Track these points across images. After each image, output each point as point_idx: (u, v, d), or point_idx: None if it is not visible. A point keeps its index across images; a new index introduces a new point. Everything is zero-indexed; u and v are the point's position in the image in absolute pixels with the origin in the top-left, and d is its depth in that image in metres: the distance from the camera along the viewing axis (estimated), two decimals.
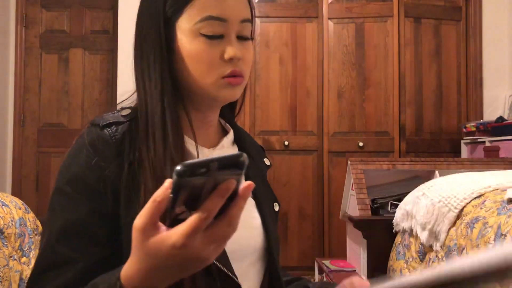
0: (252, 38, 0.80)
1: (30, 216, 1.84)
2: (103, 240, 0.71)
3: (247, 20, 0.77)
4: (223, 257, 0.73)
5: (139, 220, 0.54)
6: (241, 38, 0.77)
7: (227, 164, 0.51)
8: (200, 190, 0.52)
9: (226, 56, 0.74)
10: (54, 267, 0.69)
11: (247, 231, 0.81)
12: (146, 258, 0.55)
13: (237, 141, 0.91)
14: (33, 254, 1.72)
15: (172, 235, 0.53)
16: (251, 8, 0.80)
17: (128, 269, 0.58)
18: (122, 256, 0.67)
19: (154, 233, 0.54)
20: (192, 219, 0.52)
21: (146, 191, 0.69)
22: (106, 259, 0.70)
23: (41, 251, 0.72)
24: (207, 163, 0.50)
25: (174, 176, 0.50)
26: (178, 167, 0.49)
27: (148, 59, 0.77)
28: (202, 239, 0.54)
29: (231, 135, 0.89)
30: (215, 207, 0.53)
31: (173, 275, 0.57)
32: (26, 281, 0.72)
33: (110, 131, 0.75)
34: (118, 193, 0.71)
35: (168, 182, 0.53)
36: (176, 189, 0.51)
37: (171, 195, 0.52)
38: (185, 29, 0.75)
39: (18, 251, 1.66)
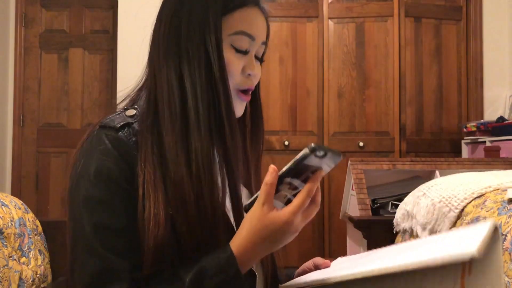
0: (262, 61, 0.86)
1: (30, 216, 1.84)
2: (138, 241, 0.71)
3: (265, 43, 0.85)
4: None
5: (259, 202, 0.68)
6: (256, 58, 0.83)
7: (333, 156, 0.65)
8: (305, 171, 0.66)
9: (248, 71, 0.81)
10: (106, 273, 0.69)
11: None
12: (262, 232, 0.68)
13: None
14: (33, 254, 1.72)
15: (286, 213, 0.67)
16: (268, 34, 0.87)
17: (241, 243, 0.69)
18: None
19: (271, 210, 0.68)
20: (299, 200, 0.68)
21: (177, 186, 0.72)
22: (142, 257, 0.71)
23: (80, 261, 0.70)
24: (326, 149, 0.64)
25: (306, 150, 0.63)
26: (312, 144, 0.63)
27: (190, 60, 0.77)
28: (301, 217, 0.70)
29: None
30: (313, 189, 0.69)
31: (274, 246, 0.70)
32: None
33: (125, 133, 0.75)
34: (140, 191, 0.72)
35: (272, 168, 0.67)
36: (299, 160, 0.64)
37: (286, 170, 0.65)
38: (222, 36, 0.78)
39: (18, 251, 1.66)
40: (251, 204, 0.70)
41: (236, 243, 0.70)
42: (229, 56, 0.78)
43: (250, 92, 0.83)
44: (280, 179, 0.67)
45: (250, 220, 0.69)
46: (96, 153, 0.73)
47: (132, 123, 0.76)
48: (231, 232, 0.73)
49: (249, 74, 0.81)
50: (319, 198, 0.72)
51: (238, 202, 0.78)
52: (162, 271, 0.70)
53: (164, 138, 0.74)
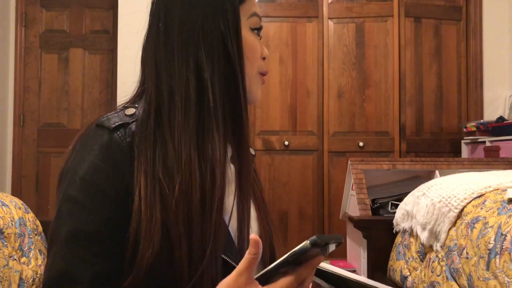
0: None
1: (30, 216, 1.84)
2: (115, 251, 0.68)
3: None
4: (239, 257, 0.73)
5: (239, 267, 0.61)
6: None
7: (334, 243, 0.63)
8: (304, 261, 0.62)
9: (265, 54, 0.82)
10: (65, 277, 0.68)
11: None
12: None
13: None
14: (33, 254, 1.72)
15: None
16: None
17: None
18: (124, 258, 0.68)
19: (248, 282, 0.61)
20: (284, 281, 0.61)
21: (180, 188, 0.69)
22: (115, 269, 0.68)
23: (50, 260, 0.69)
24: (328, 240, 0.61)
25: (307, 244, 0.59)
26: (314, 238, 0.59)
27: (209, 52, 0.75)
28: None
29: None
30: (303, 275, 0.62)
31: None
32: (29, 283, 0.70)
33: (120, 135, 0.72)
34: (131, 196, 0.69)
35: (255, 239, 0.60)
36: (299, 253, 0.60)
37: (282, 261, 0.61)
38: (241, 22, 0.78)
39: (18, 251, 1.66)
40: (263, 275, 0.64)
41: None
42: (253, 38, 0.79)
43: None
44: (276, 269, 0.62)
45: (226, 283, 0.62)
46: (87, 155, 0.72)
47: (129, 123, 0.74)
48: (233, 252, 0.72)
49: (264, 58, 0.82)
50: (308, 282, 0.65)
51: (243, 220, 0.75)
52: None
53: (175, 136, 0.71)
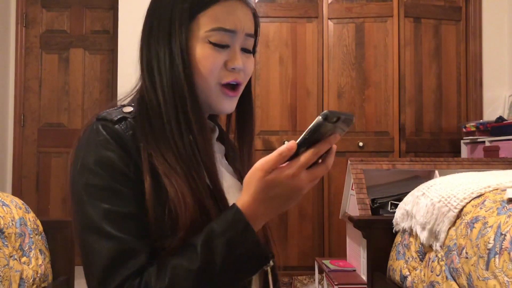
0: (254, 52, 0.86)
1: (31, 216, 1.84)
2: (147, 227, 0.72)
3: (251, 35, 0.83)
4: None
5: (262, 163, 0.67)
6: (244, 50, 0.82)
7: (346, 120, 0.67)
8: (320, 139, 0.67)
9: (230, 65, 0.80)
10: (125, 252, 0.69)
11: None
12: (264, 189, 0.67)
13: (220, 138, 0.93)
14: (33, 254, 1.72)
15: (290, 167, 0.67)
16: (256, 25, 0.85)
17: (246, 200, 0.69)
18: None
19: (273, 171, 0.67)
20: (305, 155, 0.66)
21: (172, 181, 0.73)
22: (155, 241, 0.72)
23: (94, 247, 0.70)
24: (339, 114, 0.65)
25: (319, 118, 0.63)
26: (326, 112, 0.63)
27: (159, 59, 0.80)
28: (307, 175, 0.68)
29: (216, 133, 0.91)
30: (324, 149, 0.67)
31: (281, 205, 0.70)
32: (94, 276, 0.70)
33: (122, 127, 0.75)
34: (143, 182, 0.73)
35: (292, 142, 0.66)
36: (313, 129, 0.65)
37: (300, 140, 0.66)
38: (194, 35, 0.79)
39: (19, 250, 1.66)
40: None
41: (242, 200, 0.70)
42: (206, 51, 0.78)
43: (239, 87, 0.82)
44: (297, 151, 0.67)
45: (252, 180, 0.69)
46: (94, 145, 0.74)
47: (128, 118, 0.77)
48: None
49: (233, 68, 0.80)
50: (330, 161, 0.70)
51: (221, 201, 0.78)
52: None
53: (156, 134, 0.76)
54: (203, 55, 0.78)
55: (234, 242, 0.67)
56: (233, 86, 0.82)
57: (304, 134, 0.65)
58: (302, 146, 0.67)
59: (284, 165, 0.67)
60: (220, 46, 0.79)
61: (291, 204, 0.71)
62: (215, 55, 0.78)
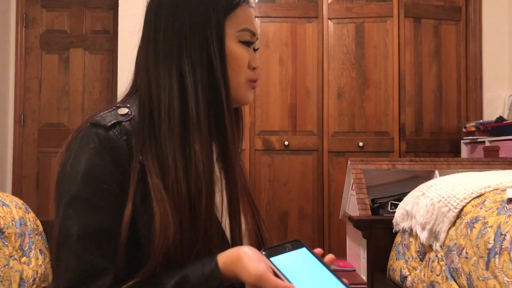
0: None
1: (31, 216, 1.84)
2: (126, 244, 0.71)
3: (258, 38, 0.90)
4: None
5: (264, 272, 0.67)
6: (254, 50, 0.88)
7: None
8: None
9: (254, 64, 0.86)
10: (89, 274, 0.69)
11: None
12: (250, 273, 0.67)
13: None
14: (33, 254, 1.72)
15: (276, 282, 0.65)
16: None
17: (228, 262, 0.69)
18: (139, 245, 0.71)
19: (269, 273, 0.67)
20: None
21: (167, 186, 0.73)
22: (130, 261, 0.71)
23: (64, 263, 0.70)
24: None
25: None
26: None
27: (192, 61, 0.79)
28: None
29: None
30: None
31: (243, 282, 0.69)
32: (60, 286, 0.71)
33: (116, 132, 0.74)
34: (131, 192, 0.72)
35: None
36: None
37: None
38: (228, 34, 0.81)
39: (19, 250, 1.66)
40: (272, 248, 0.70)
41: (224, 259, 0.70)
42: (240, 50, 0.83)
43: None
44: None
45: (248, 256, 0.68)
46: (85, 153, 0.72)
47: (123, 122, 0.76)
48: (226, 247, 0.74)
49: (254, 68, 0.86)
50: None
51: (236, 216, 0.79)
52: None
53: (162, 143, 0.74)
54: (239, 53, 0.83)
55: None
56: (254, 81, 0.87)
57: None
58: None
59: (278, 280, 0.66)
60: (248, 44, 0.84)
61: None
62: (246, 53, 0.84)
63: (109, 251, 0.70)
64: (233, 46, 0.82)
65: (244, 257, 0.68)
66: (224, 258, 0.70)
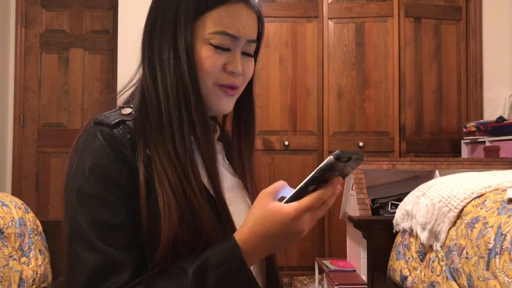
0: (257, 55, 0.86)
1: (30, 216, 1.84)
2: (139, 238, 0.71)
3: (253, 41, 0.83)
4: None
5: (269, 189, 0.69)
6: (244, 53, 0.82)
7: (357, 159, 0.66)
8: (329, 177, 0.66)
9: (229, 68, 0.79)
10: (107, 267, 0.68)
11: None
12: (263, 221, 0.68)
13: (220, 138, 0.93)
14: (33, 254, 1.72)
15: (290, 207, 0.66)
16: (261, 27, 0.85)
17: (245, 233, 0.69)
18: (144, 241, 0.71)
19: (273, 201, 0.68)
20: (309, 199, 0.66)
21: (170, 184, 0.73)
22: (143, 254, 0.71)
23: (79, 258, 0.70)
24: (351, 154, 0.64)
25: (331, 158, 0.63)
26: (338, 152, 0.62)
27: (161, 54, 0.79)
28: (309, 217, 0.67)
29: (218, 133, 0.91)
30: (328, 193, 0.67)
31: (278, 245, 0.70)
32: (76, 286, 0.70)
33: (120, 130, 0.75)
34: (141, 185, 0.72)
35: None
36: (324, 169, 0.64)
37: (310, 178, 0.65)
38: (197, 35, 0.78)
39: (18, 251, 1.66)
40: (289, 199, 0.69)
41: (240, 233, 0.70)
42: (207, 53, 0.78)
43: (237, 89, 0.82)
44: (305, 188, 0.66)
45: (253, 210, 0.70)
46: (90, 150, 0.73)
47: (127, 121, 0.76)
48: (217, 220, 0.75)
49: (232, 72, 0.80)
50: (331, 201, 0.69)
51: (221, 202, 0.78)
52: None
53: (159, 133, 0.75)
54: (204, 56, 0.77)
55: (227, 277, 0.67)
56: (230, 86, 0.81)
57: (314, 173, 0.65)
58: (311, 184, 0.66)
59: (287, 205, 0.67)
60: (221, 49, 0.78)
61: (290, 245, 0.70)
62: (215, 56, 0.78)
63: (125, 245, 0.70)
64: (201, 48, 0.78)
65: (249, 214, 0.70)
66: (239, 232, 0.70)
